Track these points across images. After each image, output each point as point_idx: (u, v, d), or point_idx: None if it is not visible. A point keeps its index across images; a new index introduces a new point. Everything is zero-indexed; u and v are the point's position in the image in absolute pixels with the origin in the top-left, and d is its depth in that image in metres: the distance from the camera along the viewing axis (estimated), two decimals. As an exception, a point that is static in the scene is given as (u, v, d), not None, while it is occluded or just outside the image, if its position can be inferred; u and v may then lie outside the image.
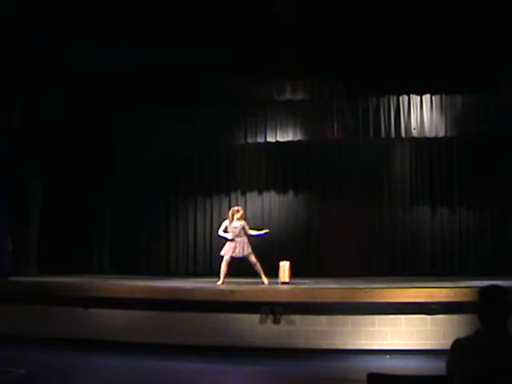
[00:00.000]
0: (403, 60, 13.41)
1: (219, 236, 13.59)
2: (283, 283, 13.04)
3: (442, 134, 14.44)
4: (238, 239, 13.16)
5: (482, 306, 3.74)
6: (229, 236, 13.18)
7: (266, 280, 13.04)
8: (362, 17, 12.37)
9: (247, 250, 13.13)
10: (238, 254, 13.12)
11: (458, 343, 3.77)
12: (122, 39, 13.08)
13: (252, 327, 11.01)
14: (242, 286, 12.61)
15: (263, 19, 12.43)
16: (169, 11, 12.20)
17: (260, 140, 15.44)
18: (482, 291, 3.79)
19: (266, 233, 13.51)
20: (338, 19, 12.52)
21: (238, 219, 13.28)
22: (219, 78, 14.20)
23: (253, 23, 12.57)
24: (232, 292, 11.66)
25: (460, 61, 13.27)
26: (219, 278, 13.09)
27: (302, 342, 10.78)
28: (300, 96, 14.66)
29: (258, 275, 13.14)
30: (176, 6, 11.94)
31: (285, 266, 13.18)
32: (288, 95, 14.66)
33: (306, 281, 13.40)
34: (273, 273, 13.38)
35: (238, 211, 13.38)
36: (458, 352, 3.72)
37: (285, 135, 15.21)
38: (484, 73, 13.43)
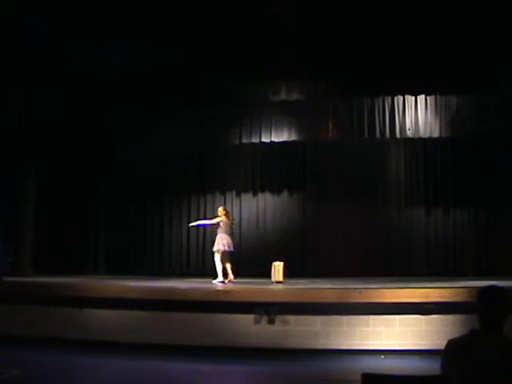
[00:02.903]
0: (398, 61, 13.44)
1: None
2: (278, 282, 13.11)
3: (436, 134, 14.49)
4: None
5: (480, 306, 3.75)
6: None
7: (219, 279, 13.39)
8: (358, 18, 12.41)
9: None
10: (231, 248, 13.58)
11: (452, 343, 3.78)
12: (121, 39, 13.08)
13: (247, 327, 11.00)
14: (237, 287, 12.61)
15: (262, 19, 12.46)
16: (168, 12, 12.20)
17: (255, 140, 15.45)
18: (482, 291, 3.81)
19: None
20: (334, 20, 12.57)
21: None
22: (216, 78, 14.20)
23: (252, 23, 12.59)
24: (227, 292, 11.66)
25: (455, 61, 13.32)
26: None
27: (296, 342, 10.78)
28: (295, 96, 14.71)
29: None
30: (175, 6, 11.95)
31: (279, 266, 13.29)
32: (283, 95, 14.70)
33: (301, 281, 13.41)
34: (270, 273, 13.44)
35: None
36: (452, 352, 3.73)
37: (280, 135, 15.23)
38: (479, 73, 13.47)
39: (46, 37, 13.03)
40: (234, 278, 13.36)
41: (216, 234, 13.58)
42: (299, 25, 12.68)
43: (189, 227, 15.05)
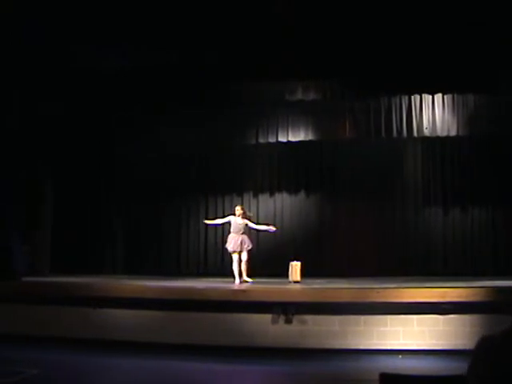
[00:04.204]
0: (415, 59, 13.34)
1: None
2: (295, 282, 13.11)
3: (453, 133, 14.39)
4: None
5: None
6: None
7: (238, 280, 13.26)
8: (376, 17, 12.35)
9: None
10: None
11: (480, 342, 3.70)
12: (123, 39, 13.07)
13: (264, 327, 11.01)
14: (255, 286, 12.62)
15: (274, 19, 12.43)
16: (175, 12, 12.19)
17: (272, 140, 15.43)
18: None
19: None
20: (350, 19, 12.50)
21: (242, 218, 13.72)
22: (231, 78, 14.17)
23: (263, 23, 12.57)
24: (244, 292, 11.67)
25: (472, 60, 13.20)
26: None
27: (314, 342, 10.77)
28: (312, 96, 14.64)
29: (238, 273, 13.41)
30: (182, 6, 11.95)
31: (296, 266, 13.30)
32: (299, 95, 14.64)
33: (318, 281, 13.40)
34: (286, 273, 13.43)
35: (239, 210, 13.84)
36: (477, 351, 3.67)
37: (296, 135, 15.19)
38: (496, 72, 13.37)
39: (47, 37, 13.01)
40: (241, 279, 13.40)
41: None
42: (314, 24, 12.64)
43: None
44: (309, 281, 13.24)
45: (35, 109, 14.96)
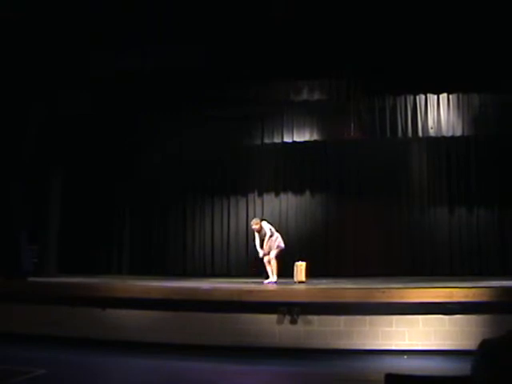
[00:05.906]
0: (420, 59, 13.32)
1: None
2: (300, 282, 13.11)
3: (459, 133, 14.37)
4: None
5: None
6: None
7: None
8: (380, 17, 12.35)
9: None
10: None
11: (485, 342, 3.70)
12: (141, 40, 13.08)
13: (269, 327, 11.00)
14: (260, 286, 12.63)
15: (278, 18, 12.44)
16: (190, 9, 12.20)
17: (277, 140, 15.44)
18: None
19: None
20: (355, 19, 12.51)
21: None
22: (238, 79, 14.16)
23: (267, 22, 12.57)
24: (250, 292, 11.67)
25: (478, 60, 13.18)
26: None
27: (319, 343, 10.76)
28: (317, 96, 14.63)
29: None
30: (195, 8, 11.96)
31: (301, 266, 13.31)
32: (305, 95, 14.64)
33: (324, 281, 13.42)
34: (292, 273, 13.44)
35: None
36: (481, 352, 3.66)
37: (302, 135, 15.20)
38: (502, 72, 13.34)
39: (64, 41, 13.04)
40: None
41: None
42: (320, 24, 12.64)
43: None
44: (314, 281, 13.25)
45: (54, 110, 15.02)
